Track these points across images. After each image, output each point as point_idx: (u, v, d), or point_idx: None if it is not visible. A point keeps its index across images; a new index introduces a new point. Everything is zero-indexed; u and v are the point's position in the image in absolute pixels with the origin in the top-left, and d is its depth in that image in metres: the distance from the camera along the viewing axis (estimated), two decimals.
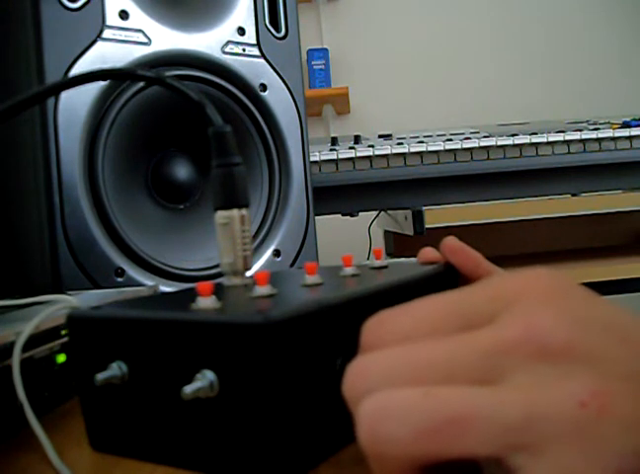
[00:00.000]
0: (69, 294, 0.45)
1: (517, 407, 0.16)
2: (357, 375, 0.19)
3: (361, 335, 0.20)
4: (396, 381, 0.18)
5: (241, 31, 0.68)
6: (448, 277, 0.34)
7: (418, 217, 1.00)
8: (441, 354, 0.18)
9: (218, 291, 0.28)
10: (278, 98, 0.69)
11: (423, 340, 0.19)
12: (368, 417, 0.17)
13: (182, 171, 0.67)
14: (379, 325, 0.20)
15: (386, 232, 1.39)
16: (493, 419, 0.16)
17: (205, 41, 0.65)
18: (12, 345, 0.29)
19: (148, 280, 0.58)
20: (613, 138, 1.09)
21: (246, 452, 0.23)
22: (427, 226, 1.00)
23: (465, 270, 0.33)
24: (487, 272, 0.33)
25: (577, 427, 0.15)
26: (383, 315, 0.20)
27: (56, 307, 0.34)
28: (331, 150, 1.04)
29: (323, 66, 2.28)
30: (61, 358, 0.34)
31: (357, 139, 1.12)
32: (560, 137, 1.08)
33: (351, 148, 1.05)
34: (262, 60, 0.69)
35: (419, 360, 0.18)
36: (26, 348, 0.30)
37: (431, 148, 1.05)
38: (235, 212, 0.34)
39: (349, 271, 0.33)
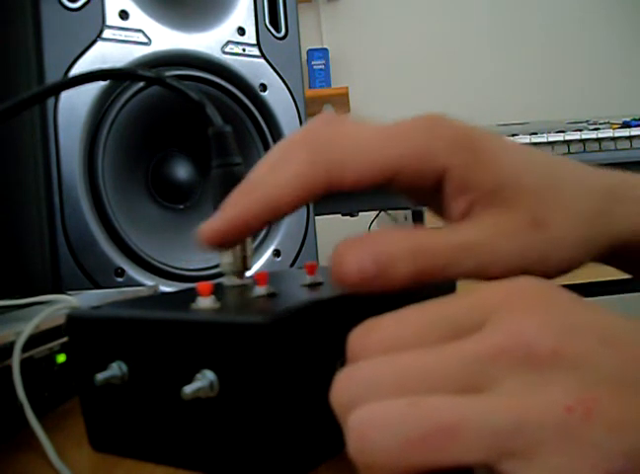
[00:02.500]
0: (69, 294, 0.45)
1: (504, 414, 0.16)
2: (342, 385, 0.19)
3: (348, 345, 0.20)
4: (381, 390, 0.18)
5: (241, 31, 0.68)
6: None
7: (418, 217, 1.00)
8: (427, 362, 0.18)
9: (218, 291, 0.28)
10: (278, 98, 0.69)
11: (408, 349, 0.19)
12: (356, 428, 0.17)
13: (182, 171, 0.67)
14: (365, 334, 0.20)
15: None
16: (481, 426, 0.16)
17: (205, 41, 0.65)
18: (12, 345, 0.29)
19: (148, 280, 0.58)
20: (613, 138, 1.09)
21: (246, 452, 0.23)
22: (427, 226, 1.00)
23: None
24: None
25: (564, 431, 0.16)
26: (369, 324, 0.20)
27: (56, 307, 0.34)
28: None
29: (323, 66, 2.29)
30: (61, 358, 0.34)
31: None
32: (560, 137, 1.08)
33: None
34: (262, 60, 0.69)
35: (404, 369, 0.18)
36: (26, 348, 0.30)
37: None
38: None
39: None
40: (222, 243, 0.25)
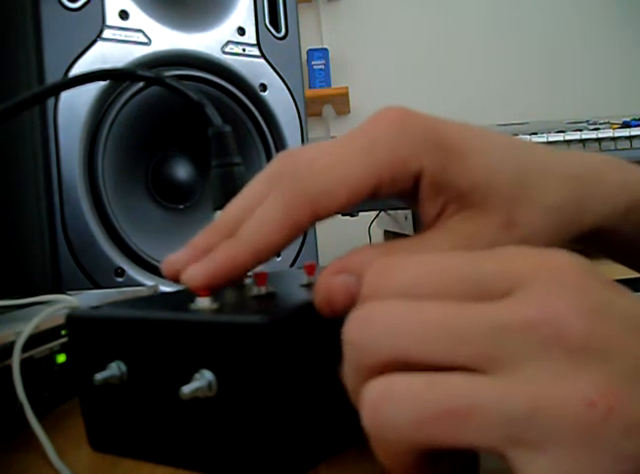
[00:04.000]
0: (69, 294, 0.45)
1: (521, 400, 0.15)
2: (359, 326, 0.18)
3: (363, 283, 0.19)
4: (401, 339, 0.17)
5: (241, 31, 0.68)
6: None
7: (418, 217, 1.00)
8: (451, 319, 0.17)
9: (217, 291, 0.28)
10: (278, 98, 0.69)
11: (429, 299, 0.18)
12: (372, 400, 0.17)
13: (182, 171, 0.67)
14: (383, 276, 0.19)
15: (386, 232, 1.39)
16: (495, 412, 0.15)
17: (205, 41, 0.65)
18: (12, 345, 0.29)
19: (148, 280, 0.58)
20: (613, 138, 1.09)
21: (245, 452, 0.23)
22: None
23: None
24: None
25: (582, 427, 0.15)
26: (388, 263, 0.19)
27: (56, 307, 0.34)
28: None
29: (323, 66, 2.28)
30: (61, 358, 0.34)
31: None
32: (560, 137, 1.07)
33: None
34: (262, 60, 0.69)
35: (427, 322, 0.17)
36: (26, 348, 0.30)
37: None
38: None
39: None
40: (205, 289, 0.24)
